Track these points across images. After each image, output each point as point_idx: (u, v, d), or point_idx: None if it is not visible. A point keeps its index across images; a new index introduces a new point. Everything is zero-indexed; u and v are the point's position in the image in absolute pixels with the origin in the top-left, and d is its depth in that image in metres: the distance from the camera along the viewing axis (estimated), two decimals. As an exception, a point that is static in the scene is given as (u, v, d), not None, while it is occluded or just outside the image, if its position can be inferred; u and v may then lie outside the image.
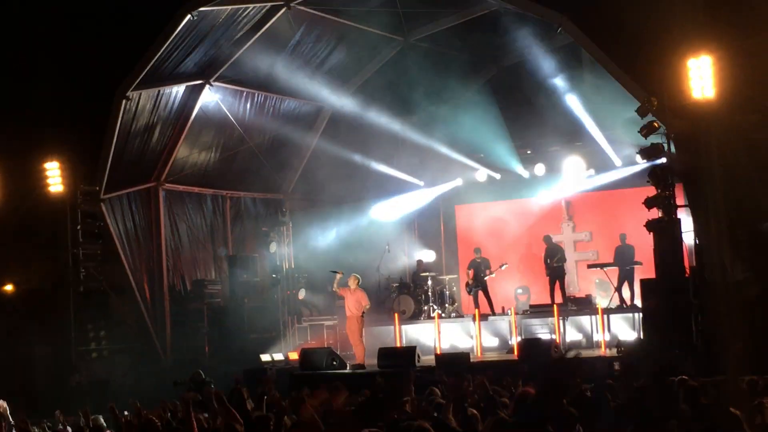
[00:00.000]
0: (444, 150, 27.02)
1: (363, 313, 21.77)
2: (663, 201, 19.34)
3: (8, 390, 19.05)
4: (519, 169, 27.24)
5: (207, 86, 23.57)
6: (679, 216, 19.41)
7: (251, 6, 22.11)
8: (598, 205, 26.96)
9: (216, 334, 24.34)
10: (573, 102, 24.82)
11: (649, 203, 19.64)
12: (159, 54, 21.30)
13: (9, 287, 23.94)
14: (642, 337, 20.00)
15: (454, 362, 19.84)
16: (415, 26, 25.10)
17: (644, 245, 21.30)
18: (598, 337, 22.39)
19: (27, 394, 21.14)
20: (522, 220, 27.54)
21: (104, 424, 13.10)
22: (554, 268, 24.65)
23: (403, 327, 24.35)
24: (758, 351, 16.17)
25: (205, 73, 23.42)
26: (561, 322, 22.58)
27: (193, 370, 19.60)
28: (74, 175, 22.66)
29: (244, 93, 24.92)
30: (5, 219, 23.30)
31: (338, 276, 22.10)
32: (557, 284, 24.59)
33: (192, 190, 25.48)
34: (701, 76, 17.93)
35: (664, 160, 19.65)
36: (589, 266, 25.12)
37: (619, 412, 9.64)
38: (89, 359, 22.97)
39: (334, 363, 21.26)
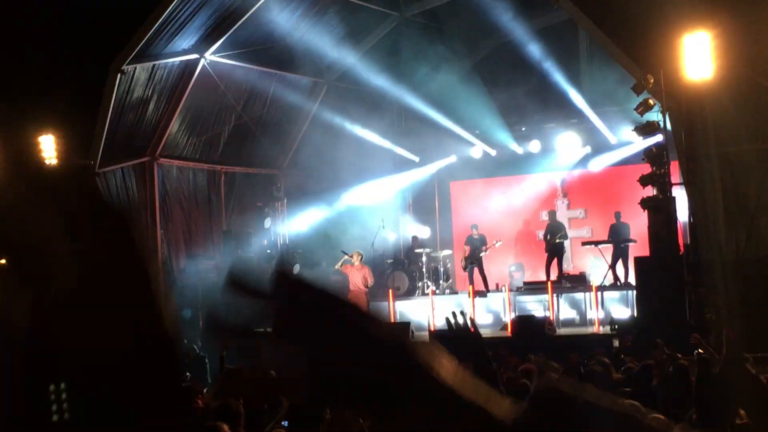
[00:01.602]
0: (439, 126, 26.98)
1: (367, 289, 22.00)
2: (658, 179, 19.34)
3: None
4: (514, 146, 27.23)
5: (202, 60, 23.48)
6: (674, 194, 19.43)
7: (248, -21, 22.04)
8: (593, 183, 26.96)
9: (210, 309, 24.27)
10: (568, 80, 24.82)
11: (644, 181, 19.64)
12: (154, 28, 21.20)
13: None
14: (636, 314, 20.05)
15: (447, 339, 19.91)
16: (412, 1, 25.00)
17: (639, 223, 21.32)
18: (592, 314, 22.45)
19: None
20: (517, 197, 27.52)
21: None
22: (555, 245, 24.56)
23: (397, 303, 24.36)
24: (754, 329, 16.22)
25: (201, 47, 23.32)
26: (555, 299, 22.61)
27: (186, 346, 19.62)
28: (69, 149, 22.57)
29: (240, 67, 24.82)
30: (-1, 192, 23.23)
31: (345, 257, 22.34)
32: (555, 261, 24.57)
33: (187, 165, 25.40)
34: (698, 54, 17.88)
35: (660, 137, 19.64)
36: (584, 243, 25.15)
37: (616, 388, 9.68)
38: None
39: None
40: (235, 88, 25.06)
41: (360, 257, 22.40)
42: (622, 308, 22.21)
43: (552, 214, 25.52)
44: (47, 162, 22.57)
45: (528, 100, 25.65)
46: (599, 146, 26.12)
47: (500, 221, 27.13)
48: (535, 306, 23.31)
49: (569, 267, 25.80)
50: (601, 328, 21.14)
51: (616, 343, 18.36)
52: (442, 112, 26.76)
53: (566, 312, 23.06)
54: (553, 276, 24.16)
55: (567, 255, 25.93)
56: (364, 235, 26.06)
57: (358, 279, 22.05)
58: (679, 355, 10.95)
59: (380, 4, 24.63)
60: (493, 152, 27.56)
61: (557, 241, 24.52)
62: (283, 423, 8.15)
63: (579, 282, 23.78)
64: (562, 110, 25.94)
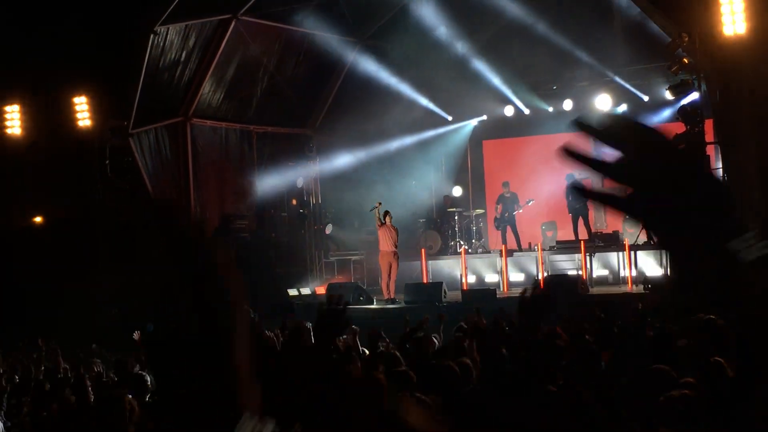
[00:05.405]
0: (472, 84, 26.82)
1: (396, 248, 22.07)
2: (692, 138, 19.22)
3: (37, 323, 19.31)
4: (546, 104, 27.10)
5: (234, 21, 23.47)
6: (707, 153, 19.32)
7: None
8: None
9: (243, 269, 24.40)
10: (600, 38, 24.65)
11: (678, 140, 19.49)
12: (186, -12, 21.22)
13: (38, 219, 24.12)
14: (669, 273, 20.00)
15: (480, 298, 19.98)
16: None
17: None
18: (624, 273, 22.41)
19: (55, 328, 21.32)
20: (549, 156, 27.25)
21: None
22: (575, 207, 24.34)
23: (430, 262, 24.43)
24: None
25: (233, 7, 23.31)
26: (587, 258, 22.57)
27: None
28: (102, 110, 22.68)
29: (272, 27, 24.78)
30: (35, 153, 23.42)
31: (378, 206, 22.40)
32: (581, 221, 24.43)
33: (219, 125, 25.46)
34: (733, 12, 17.70)
35: (695, 95, 19.50)
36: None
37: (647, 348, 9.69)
38: (118, 293, 23.02)
39: (361, 298, 21.45)
40: (267, 48, 25.03)
41: (391, 217, 22.48)
42: (655, 267, 22.17)
43: (569, 176, 25.30)
44: (81, 123, 22.74)
45: (560, 59, 25.44)
46: (633, 105, 25.93)
47: (533, 180, 27.01)
48: (568, 265, 23.31)
49: (603, 225, 25.69)
50: (633, 287, 21.10)
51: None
52: (474, 71, 26.60)
53: (599, 271, 23.05)
54: (583, 235, 24.03)
55: (600, 213, 25.79)
56: (396, 194, 26.02)
57: (393, 238, 22.15)
58: (713, 316, 10.89)
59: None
60: (526, 110, 27.45)
61: (577, 206, 24.28)
62: None
63: (611, 241, 23.69)
64: (594, 69, 25.72)
